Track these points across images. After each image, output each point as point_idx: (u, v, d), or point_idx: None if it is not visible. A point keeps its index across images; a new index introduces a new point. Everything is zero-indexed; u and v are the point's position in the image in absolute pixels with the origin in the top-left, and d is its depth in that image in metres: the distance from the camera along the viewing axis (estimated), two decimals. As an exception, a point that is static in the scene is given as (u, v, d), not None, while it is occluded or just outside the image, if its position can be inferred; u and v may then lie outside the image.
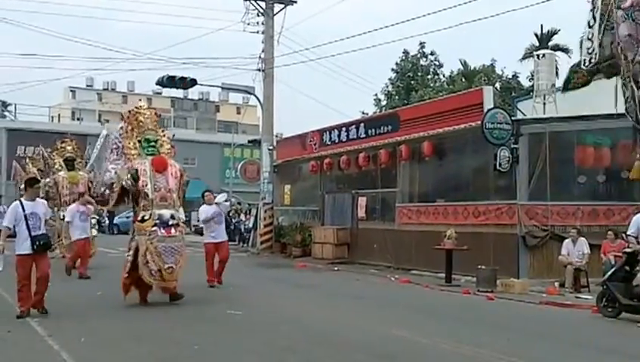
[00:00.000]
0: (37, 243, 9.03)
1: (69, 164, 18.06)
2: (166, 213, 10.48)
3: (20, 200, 9.39)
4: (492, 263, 14.00)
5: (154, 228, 10.33)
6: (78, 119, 64.75)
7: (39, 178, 13.36)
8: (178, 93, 68.02)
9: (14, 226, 9.12)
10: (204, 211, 13.27)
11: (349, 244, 20.04)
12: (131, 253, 10.50)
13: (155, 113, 11.86)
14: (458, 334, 8.55)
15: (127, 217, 34.49)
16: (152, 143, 11.12)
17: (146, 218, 10.45)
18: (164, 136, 11.64)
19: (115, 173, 11.26)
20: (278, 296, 12.26)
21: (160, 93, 71.88)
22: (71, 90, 75.78)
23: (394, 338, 8.25)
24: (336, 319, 9.77)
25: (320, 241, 20.55)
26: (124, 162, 11.40)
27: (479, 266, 13.56)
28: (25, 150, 43.77)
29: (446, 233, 14.70)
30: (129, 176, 10.42)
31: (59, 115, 67.33)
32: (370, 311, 10.78)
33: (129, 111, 11.58)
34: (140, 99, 13.13)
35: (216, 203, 13.29)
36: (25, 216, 9.05)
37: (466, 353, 7.42)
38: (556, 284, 13.35)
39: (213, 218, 13.15)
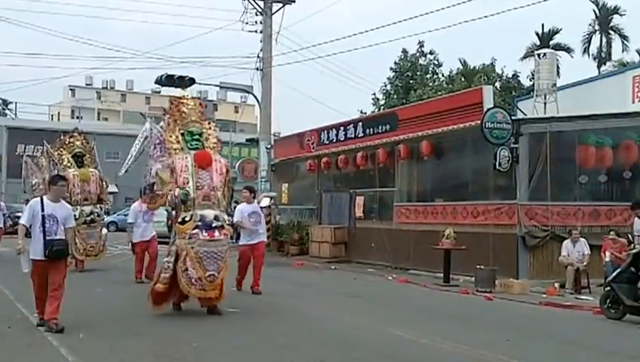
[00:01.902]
0: (50, 248, 7.88)
1: (79, 160, 16.71)
2: (209, 213, 9.34)
3: (42, 198, 8.24)
4: (491, 263, 13.93)
5: (195, 231, 9.20)
6: (77, 117, 64.73)
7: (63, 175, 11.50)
8: (177, 91, 68.03)
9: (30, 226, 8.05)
10: (241, 211, 12.01)
11: (347, 243, 19.98)
12: (171, 258, 9.38)
13: (200, 104, 10.86)
14: (457, 334, 8.48)
15: (125, 215, 34.38)
16: (196, 136, 10.08)
17: (186, 219, 9.33)
18: (210, 128, 10.51)
19: (156, 173, 9.91)
20: (276, 294, 12.16)
21: (159, 92, 71.87)
22: (70, 89, 76.14)
23: (392, 337, 8.19)
24: (333, 317, 9.71)
25: (317, 240, 20.51)
26: (167, 158, 10.22)
27: (478, 266, 13.48)
28: (25, 148, 43.67)
29: (444, 232, 14.63)
30: (179, 194, 9.33)
31: (58, 113, 67.60)
32: (368, 310, 10.71)
33: (171, 102, 10.61)
34: (184, 91, 11.62)
35: (261, 207, 12.22)
36: (43, 217, 7.95)
37: (465, 353, 7.35)
38: (556, 285, 13.25)
39: (251, 218, 11.91)
